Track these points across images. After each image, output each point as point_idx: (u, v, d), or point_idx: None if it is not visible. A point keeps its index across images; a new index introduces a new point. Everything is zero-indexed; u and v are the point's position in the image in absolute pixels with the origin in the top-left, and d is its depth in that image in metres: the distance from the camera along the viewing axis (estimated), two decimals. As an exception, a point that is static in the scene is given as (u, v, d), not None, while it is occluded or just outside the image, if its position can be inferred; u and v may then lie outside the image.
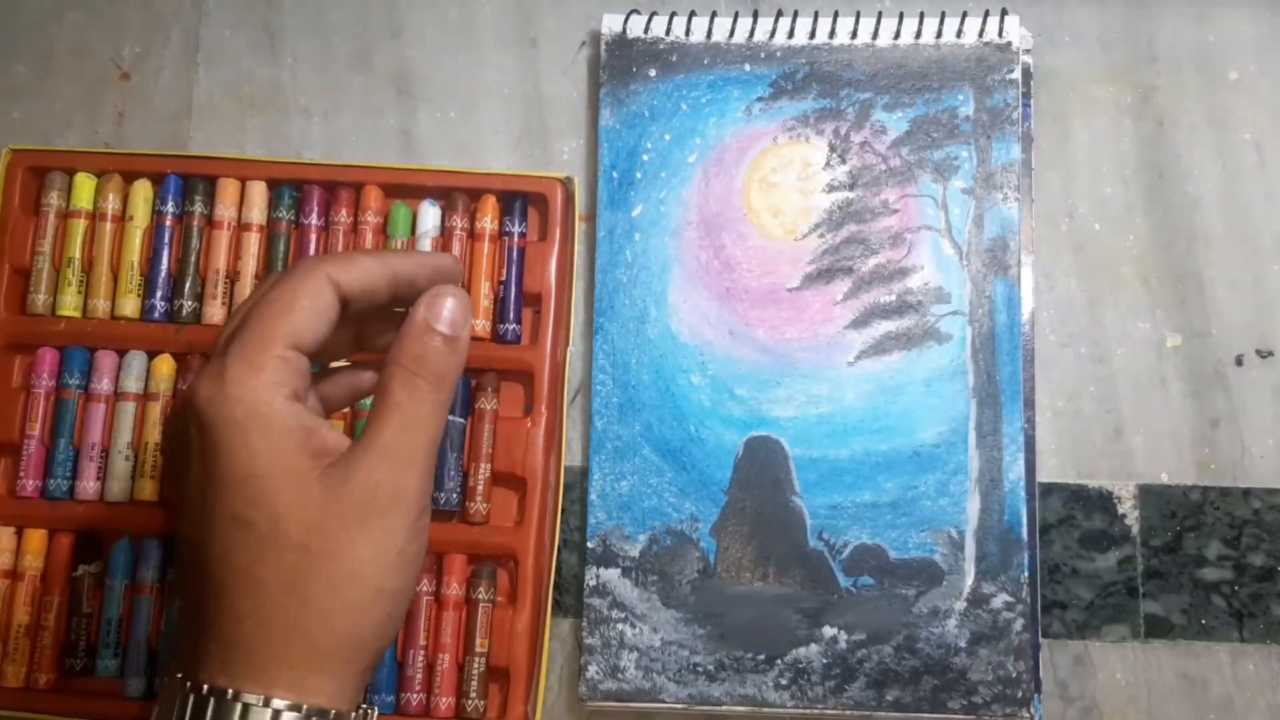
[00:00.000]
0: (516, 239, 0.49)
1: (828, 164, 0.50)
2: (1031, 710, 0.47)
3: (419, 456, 0.34)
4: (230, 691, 0.32)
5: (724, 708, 0.47)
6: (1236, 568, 0.48)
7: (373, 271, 0.36)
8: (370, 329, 0.40)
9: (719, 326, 0.49)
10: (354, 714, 0.34)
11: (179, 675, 0.33)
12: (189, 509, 0.34)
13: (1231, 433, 0.49)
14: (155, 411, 0.48)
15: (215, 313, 0.49)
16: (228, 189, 0.50)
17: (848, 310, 0.49)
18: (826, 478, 0.48)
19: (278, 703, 0.32)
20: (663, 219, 0.50)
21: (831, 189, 0.50)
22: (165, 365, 0.48)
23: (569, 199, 0.50)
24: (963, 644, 0.47)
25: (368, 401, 0.47)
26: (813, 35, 0.51)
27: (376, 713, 0.37)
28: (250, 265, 0.49)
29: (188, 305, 0.49)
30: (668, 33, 0.51)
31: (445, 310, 0.36)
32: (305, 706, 0.32)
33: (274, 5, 0.53)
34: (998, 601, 0.47)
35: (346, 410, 0.48)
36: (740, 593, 0.48)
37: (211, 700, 0.32)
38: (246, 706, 0.32)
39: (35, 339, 0.49)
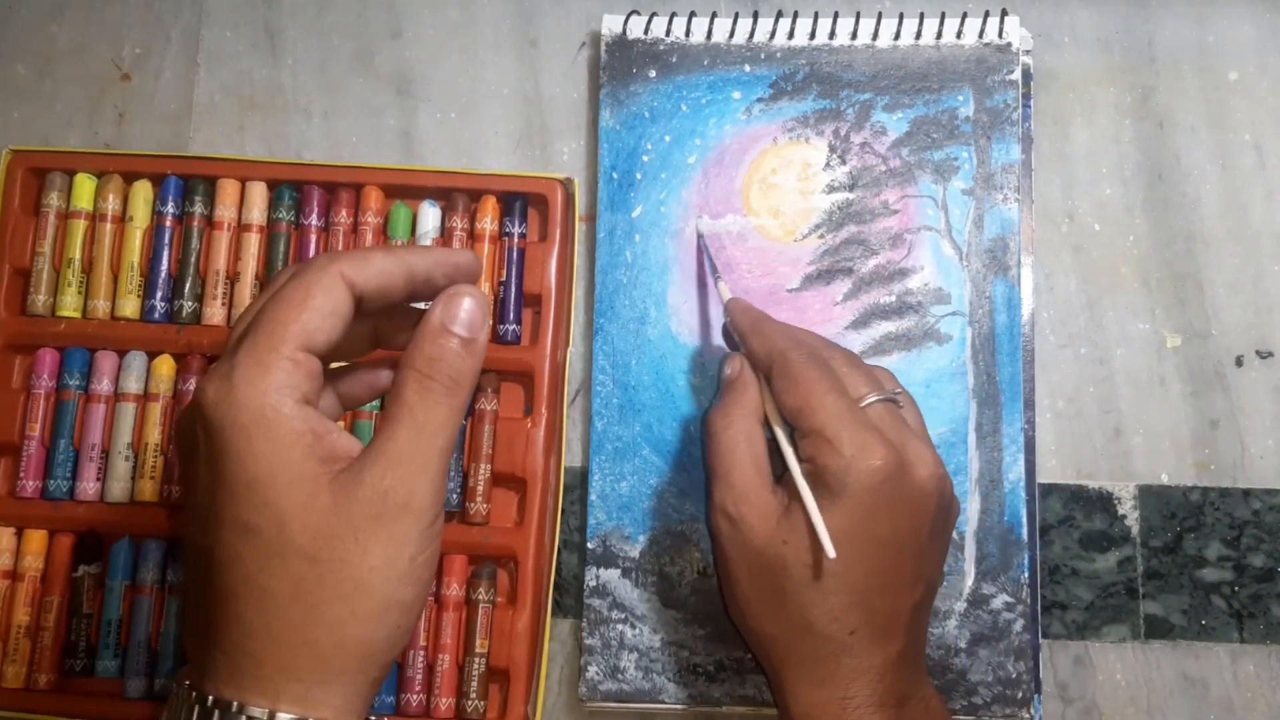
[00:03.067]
0: (516, 240, 0.49)
1: (828, 165, 0.50)
2: (1032, 711, 0.47)
3: (432, 462, 0.33)
4: (235, 704, 0.32)
5: (724, 708, 0.47)
6: (1236, 568, 0.48)
7: (388, 269, 0.35)
8: (387, 326, 0.39)
9: (719, 327, 0.49)
10: None
11: (186, 683, 0.33)
12: (196, 513, 0.34)
13: (1231, 433, 0.49)
14: (155, 412, 0.48)
15: (215, 313, 0.49)
16: (228, 190, 0.50)
17: (848, 311, 0.49)
18: (826, 478, 0.48)
19: (283, 716, 0.32)
20: (663, 220, 0.50)
21: (831, 190, 0.50)
22: (165, 366, 0.49)
23: (569, 200, 0.50)
24: (963, 644, 0.47)
25: (374, 403, 0.47)
26: (813, 36, 0.51)
27: None
28: (250, 266, 0.49)
29: (188, 306, 0.49)
30: (668, 33, 0.51)
31: (462, 311, 0.35)
32: None
33: (274, 6, 0.53)
34: (998, 602, 0.47)
35: (347, 413, 0.48)
36: (740, 593, 0.48)
37: (216, 712, 0.32)
38: None
39: (35, 340, 0.49)
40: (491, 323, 0.47)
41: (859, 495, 0.40)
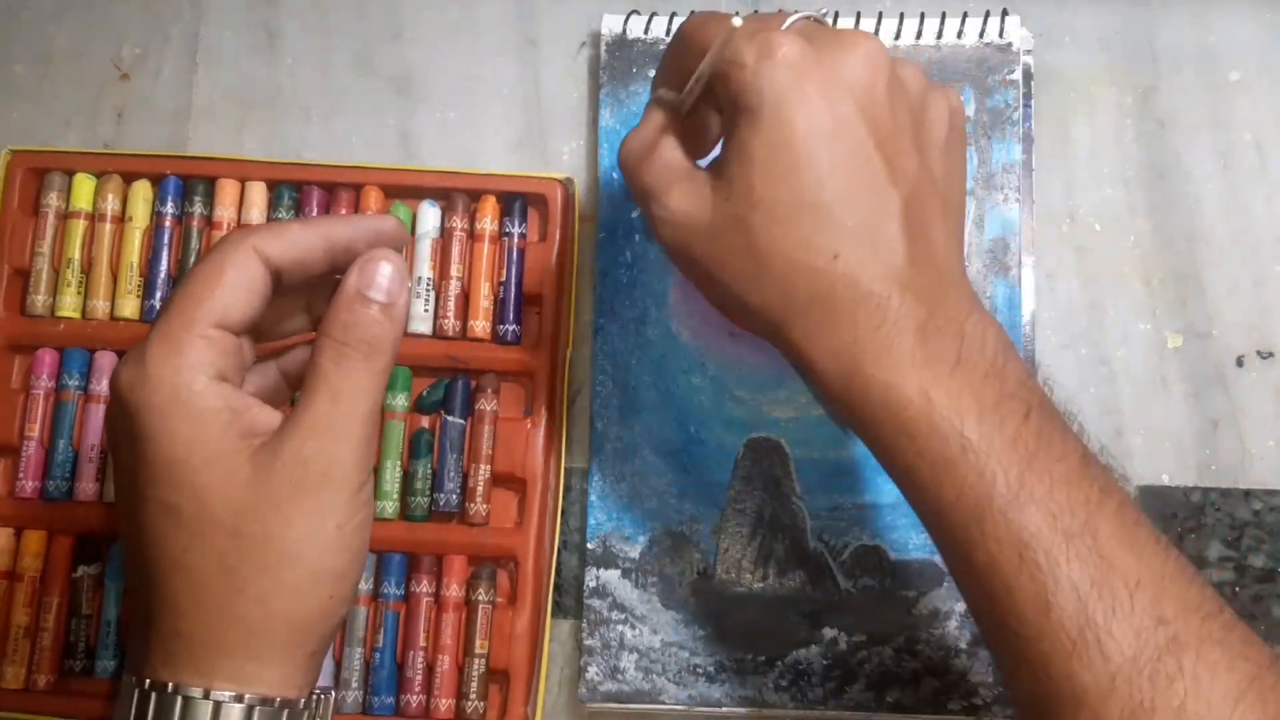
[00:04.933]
0: (516, 240, 0.49)
1: (828, 165, 0.50)
2: (1032, 712, 0.47)
3: (352, 428, 0.33)
4: (170, 685, 0.32)
5: (724, 709, 0.47)
6: (1237, 569, 0.48)
7: (303, 241, 0.35)
8: (317, 300, 0.38)
9: (719, 327, 0.49)
10: (303, 701, 0.33)
11: (131, 673, 0.33)
12: (123, 499, 0.34)
13: (1232, 434, 0.49)
14: (155, 412, 0.48)
15: (215, 313, 0.49)
16: (227, 190, 0.50)
17: (848, 311, 0.49)
18: (827, 479, 0.48)
19: (219, 693, 0.32)
20: (663, 220, 0.50)
21: (832, 190, 0.50)
22: (165, 366, 0.48)
23: (569, 200, 0.50)
24: (963, 645, 0.47)
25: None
26: (813, 36, 0.50)
27: (333, 699, 0.36)
28: (250, 266, 0.49)
29: (187, 306, 0.49)
30: (668, 33, 0.51)
31: (379, 276, 0.34)
32: (247, 696, 0.32)
33: (274, 6, 0.53)
34: (998, 603, 0.47)
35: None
36: (740, 594, 0.48)
37: (153, 695, 0.32)
38: (188, 700, 0.32)
39: (35, 340, 0.49)
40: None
41: (780, 96, 0.34)
